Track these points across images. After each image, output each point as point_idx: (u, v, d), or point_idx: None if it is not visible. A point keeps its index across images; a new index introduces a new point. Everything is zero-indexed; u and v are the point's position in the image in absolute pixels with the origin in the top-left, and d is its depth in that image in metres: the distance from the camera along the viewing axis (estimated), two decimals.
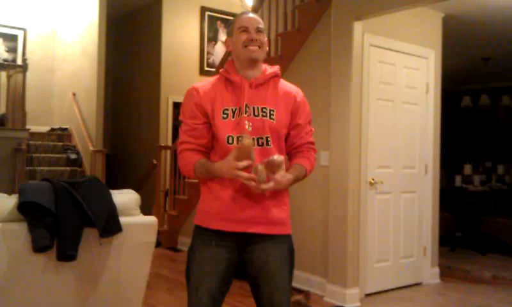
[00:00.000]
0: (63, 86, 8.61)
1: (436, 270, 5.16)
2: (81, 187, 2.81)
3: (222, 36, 8.50)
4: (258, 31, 2.06)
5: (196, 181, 5.32)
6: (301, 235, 4.48)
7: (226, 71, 2.10)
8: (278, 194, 2.04)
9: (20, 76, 6.76)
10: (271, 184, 1.92)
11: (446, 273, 5.36)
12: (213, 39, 8.59)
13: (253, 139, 1.98)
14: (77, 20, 8.31)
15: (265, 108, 2.03)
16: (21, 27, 8.43)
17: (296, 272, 2.15)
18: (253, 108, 2.02)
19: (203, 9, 8.45)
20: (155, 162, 7.30)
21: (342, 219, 4.35)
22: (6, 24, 8.24)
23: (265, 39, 2.10)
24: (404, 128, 4.84)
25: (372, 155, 4.55)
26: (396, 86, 4.78)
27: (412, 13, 4.70)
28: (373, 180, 4.53)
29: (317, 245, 4.60)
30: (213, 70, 7.65)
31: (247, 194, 1.96)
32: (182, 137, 2.11)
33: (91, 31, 7.84)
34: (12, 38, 8.35)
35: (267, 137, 2.02)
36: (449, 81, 6.28)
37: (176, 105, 7.97)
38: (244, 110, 2.01)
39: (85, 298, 2.83)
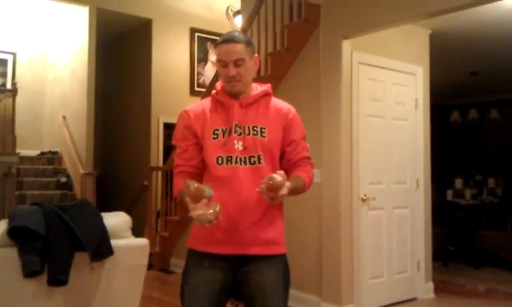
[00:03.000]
0: (52, 109, 8.59)
1: (430, 284, 5.14)
2: (71, 210, 2.79)
3: (212, 57, 8.54)
4: (237, 64, 1.99)
5: None
6: (294, 253, 4.43)
7: (216, 93, 2.10)
8: (270, 213, 2.03)
9: (9, 100, 6.73)
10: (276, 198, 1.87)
11: (440, 288, 5.33)
12: (203, 60, 8.63)
13: (244, 158, 1.98)
14: (67, 43, 8.33)
15: (256, 126, 2.03)
16: (10, 51, 8.43)
17: (290, 291, 2.13)
18: (244, 127, 2.02)
19: (193, 31, 8.50)
20: (146, 183, 7.26)
21: (335, 236, 4.34)
22: None
23: (249, 64, 2.02)
24: (394, 143, 4.86)
25: (364, 171, 4.56)
26: (386, 103, 4.82)
27: (399, 30, 4.76)
28: (365, 196, 4.54)
29: (311, 263, 4.57)
30: (203, 90, 7.66)
31: (239, 216, 1.95)
32: (176, 160, 2.13)
33: (81, 54, 7.85)
34: (1, 63, 8.34)
35: (259, 155, 2.00)
36: (438, 96, 6.33)
37: (167, 126, 7.96)
38: (234, 130, 2.01)
39: None
